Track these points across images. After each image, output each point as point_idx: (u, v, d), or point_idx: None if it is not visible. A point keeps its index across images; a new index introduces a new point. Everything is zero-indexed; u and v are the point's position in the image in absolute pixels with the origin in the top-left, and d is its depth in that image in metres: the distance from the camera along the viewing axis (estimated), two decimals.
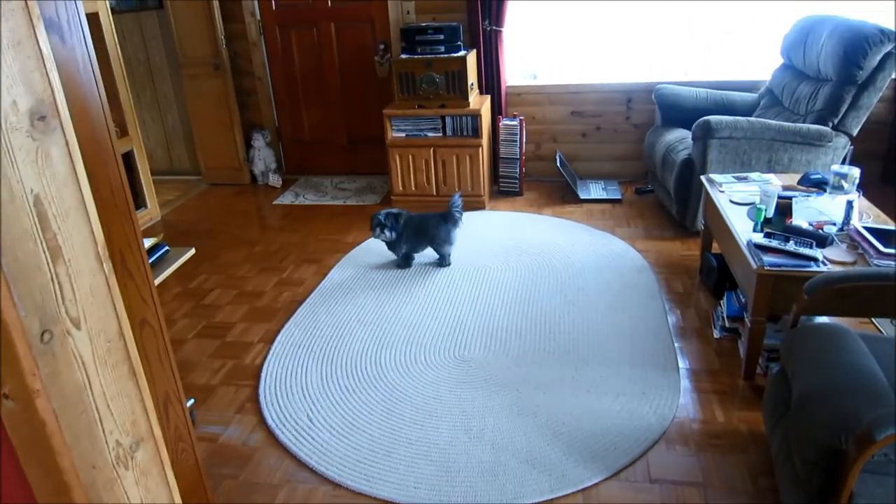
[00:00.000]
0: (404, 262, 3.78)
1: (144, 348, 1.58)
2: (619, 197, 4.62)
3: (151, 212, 4.66)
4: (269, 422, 2.56)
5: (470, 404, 2.59)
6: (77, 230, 1.11)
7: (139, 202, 4.57)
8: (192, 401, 2.59)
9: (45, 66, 1.05)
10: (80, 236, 1.12)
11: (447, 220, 3.67)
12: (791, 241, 2.50)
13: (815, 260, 2.42)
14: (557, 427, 2.45)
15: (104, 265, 1.18)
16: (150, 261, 2.08)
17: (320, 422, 2.54)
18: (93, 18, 3.95)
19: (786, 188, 3.08)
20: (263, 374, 2.85)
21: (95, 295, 1.16)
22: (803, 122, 3.75)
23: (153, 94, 5.44)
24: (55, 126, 1.08)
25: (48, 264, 1.05)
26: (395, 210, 3.68)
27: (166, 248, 2.17)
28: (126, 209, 1.47)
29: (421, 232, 3.69)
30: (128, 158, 4.40)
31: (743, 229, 2.77)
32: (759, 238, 2.56)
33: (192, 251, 2.27)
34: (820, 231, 2.60)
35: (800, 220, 2.74)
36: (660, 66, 4.83)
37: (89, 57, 1.34)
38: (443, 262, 3.77)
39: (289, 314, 3.33)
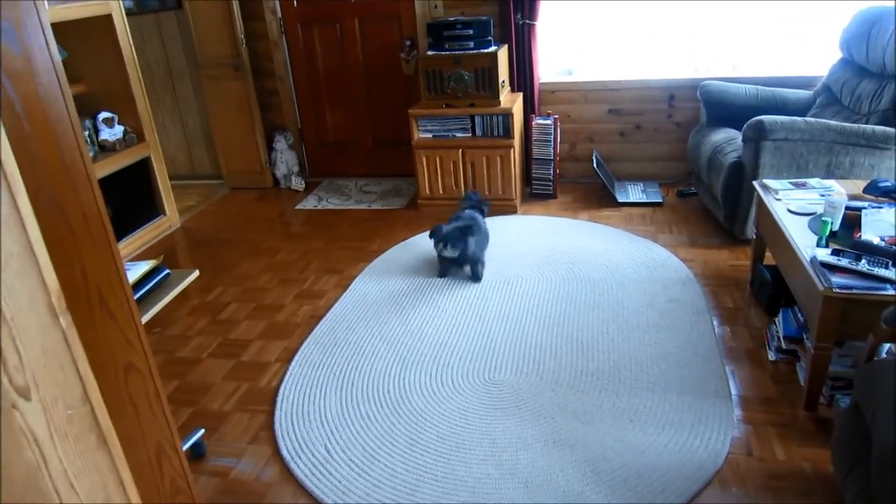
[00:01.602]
0: (482, 265, 3.57)
1: (131, 396, 1.39)
2: (659, 200, 4.34)
3: (171, 219, 4.51)
4: (285, 453, 2.36)
5: (501, 434, 2.37)
6: (22, 280, 0.91)
7: (157, 210, 4.42)
8: (201, 430, 2.41)
9: None
10: (25, 288, 0.92)
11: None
12: (863, 260, 2.23)
13: (891, 282, 2.15)
14: (598, 463, 2.21)
15: (60, 319, 0.98)
16: (150, 286, 1.90)
17: (339, 454, 2.33)
18: (105, 21, 3.81)
19: (851, 197, 2.79)
20: (279, 399, 2.66)
21: (49, 356, 0.96)
22: (866, 123, 3.44)
23: (173, 97, 5.29)
24: None
25: None
26: (462, 224, 3.46)
27: (167, 271, 1.98)
28: (105, 240, 1.27)
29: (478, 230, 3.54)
30: (144, 165, 4.25)
31: (805, 244, 2.49)
32: (825, 255, 2.29)
33: (196, 274, 2.08)
34: (894, 248, 2.31)
35: (869, 234, 2.45)
36: (705, 61, 4.53)
37: (55, 68, 1.14)
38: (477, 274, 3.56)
39: (308, 330, 3.14)
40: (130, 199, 4.21)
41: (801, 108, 4.01)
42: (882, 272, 2.18)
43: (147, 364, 1.45)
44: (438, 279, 3.53)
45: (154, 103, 5.26)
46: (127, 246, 4.08)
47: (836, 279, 2.19)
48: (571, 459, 2.23)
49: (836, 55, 3.99)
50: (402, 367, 2.79)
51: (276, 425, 2.51)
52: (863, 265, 2.21)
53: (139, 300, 1.86)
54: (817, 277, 2.24)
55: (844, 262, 2.24)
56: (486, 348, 2.88)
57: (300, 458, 2.33)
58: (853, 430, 1.94)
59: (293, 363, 2.89)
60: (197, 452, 2.38)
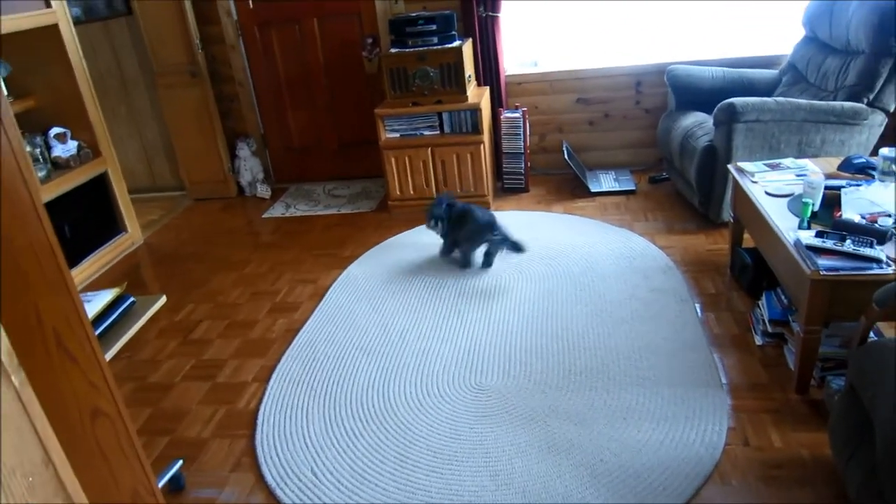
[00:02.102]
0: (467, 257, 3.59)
1: (100, 444, 1.28)
2: (632, 188, 4.31)
3: (133, 236, 4.35)
4: (269, 480, 2.26)
5: (493, 443, 2.30)
6: None
7: (117, 227, 4.25)
8: (179, 462, 2.29)
9: None
10: None
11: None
12: (848, 241, 2.20)
13: (879, 261, 2.12)
14: (595, 466, 2.15)
15: (13, 378, 0.88)
16: (114, 317, 1.78)
17: (326, 476, 2.24)
18: (52, 31, 3.62)
19: (827, 176, 2.77)
20: (260, 421, 2.55)
21: (3, 422, 0.86)
22: (834, 99, 3.44)
23: (129, 108, 5.11)
24: None
25: None
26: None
27: (132, 299, 1.87)
28: (58, 275, 1.16)
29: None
30: (102, 181, 4.08)
31: (786, 226, 2.46)
32: (809, 237, 2.25)
33: (163, 300, 1.96)
34: (878, 226, 2.29)
35: (850, 212, 2.43)
36: (669, 45, 4.49)
37: None
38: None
39: (285, 346, 3.03)
40: (89, 217, 4.04)
41: (767, 88, 4.00)
42: (867, 251, 2.15)
43: (115, 406, 1.35)
44: (416, 282, 3.44)
45: (109, 115, 5.05)
46: (88, 267, 3.92)
47: (823, 261, 2.15)
48: (568, 464, 2.17)
49: (800, 33, 3.99)
50: (386, 379, 2.70)
51: (258, 450, 2.41)
52: (848, 246, 2.18)
53: (103, 334, 1.74)
54: (803, 261, 2.20)
55: (829, 243, 2.20)
56: (470, 353, 2.81)
57: (286, 483, 2.23)
58: (850, 414, 1.91)
59: (271, 381, 2.78)
60: (176, 485, 2.26)
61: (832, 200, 2.53)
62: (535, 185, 4.58)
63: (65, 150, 3.86)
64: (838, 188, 2.55)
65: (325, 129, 4.99)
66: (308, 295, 3.47)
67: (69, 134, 3.91)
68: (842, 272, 2.12)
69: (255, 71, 4.88)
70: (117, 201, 4.22)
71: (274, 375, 2.82)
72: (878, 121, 3.35)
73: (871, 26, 3.26)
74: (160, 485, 2.16)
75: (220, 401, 2.73)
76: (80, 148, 3.94)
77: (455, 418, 2.43)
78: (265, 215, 4.65)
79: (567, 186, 4.51)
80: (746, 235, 3.15)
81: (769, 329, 2.67)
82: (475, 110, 4.10)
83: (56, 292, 1.15)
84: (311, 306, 3.35)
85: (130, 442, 1.38)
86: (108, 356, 2.38)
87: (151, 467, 2.37)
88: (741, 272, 3.10)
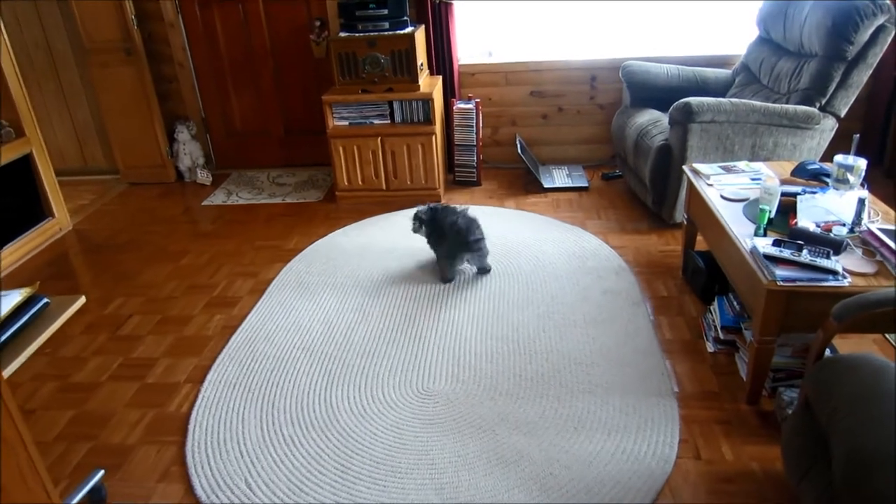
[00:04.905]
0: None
1: None
2: (585, 185, 4.25)
3: (60, 221, 4.08)
4: (199, 492, 2.11)
5: (439, 453, 2.19)
6: None
7: (43, 212, 3.97)
8: (101, 472, 2.12)
9: None
10: None
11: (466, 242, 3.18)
12: (805, 251, 2.16)
13: (835, 273, 2.08)
14: (545, 479, 2.07)
15: None
16: (24, 321, 1.60)
17: (261, 489, 2.10)
18: None
19: (783, 181, 2.74)
20: (192, 426, 2.39)
21: None
22: (786, 102, 3.43)
23: (58, 85, 4.79)
24: None
25: None
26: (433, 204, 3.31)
27: (45, 300, 1.68)
28: None
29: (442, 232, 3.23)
30: (26, 163, 3.80)
31: (742, 232, 2.42)
32: (767, 246, 2.21)
33: (82, 301, 1.79)
34: (833, 236, 2.26)
35: (805, 220, 2.40)
36: (625, 41, 4.43)
37: None
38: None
39: (221, 344, 2.86)
40: (11, 201, 3.76)
41: (721, 88, 3.98)
42: (824, 262, 2.11)
43: (15, 430, 1.19)
44: (363, 279, 3.30)
45: (35, 92, 4.75)
46: (8, 256, 3.65)
47: (780, 272, 2.11)
48: (516, 477, 2.08)
49: (754, 33, 3.98)
50: (329, 382, 2.57)
51: (189, 458, 2.25)
52: (805, 256, 2.14)
53: (10, 340, 1.56)
54: (760, 270, 2.16)
55: (787, 253, 2.16)
56: (417, 355, 2.69)
57: (217, 496, 2.08)
58: (804, 431, 1.87)
59: (206, 383, 2.61)
60: (96, 498, 2.09)
61: (787, 207, 2.50)
62: (487, 179, 4.48)
63: None
64: (794, 195, 2.51)
65: (271, 113, 4.78)
66: (248, 289, 3.30)
67: None
68: (798, 283, 2.08)
69: (195, 51, 4.63)
70: (43, 185, 3.95)
71: (209, 376, 2.65)
72: (829, 126, 3.36)
73: (825, 29, 3.26)
74: (77, 499, 1.99)
75: (150, 403, 2.55)
76: (1, 126, 3.66)
77: (400, 426, 2.32)
78: (205, 203, 4.43)
79: (520, 181, 4.42)
80: (699, 238, 3.12)
81: (721, 336, 2.63)
82: (427, 100, 3.97)
83: None
84: (251, 302, 3.18)
85: (34, 469, 1.23)
86: (16, 365, 2.18)
87: (70, 477, 2.20)
88: (693, 276, 3.07)
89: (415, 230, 3.27)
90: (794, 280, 2.09)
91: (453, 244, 3.16)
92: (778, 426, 2.25)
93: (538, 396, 2.42)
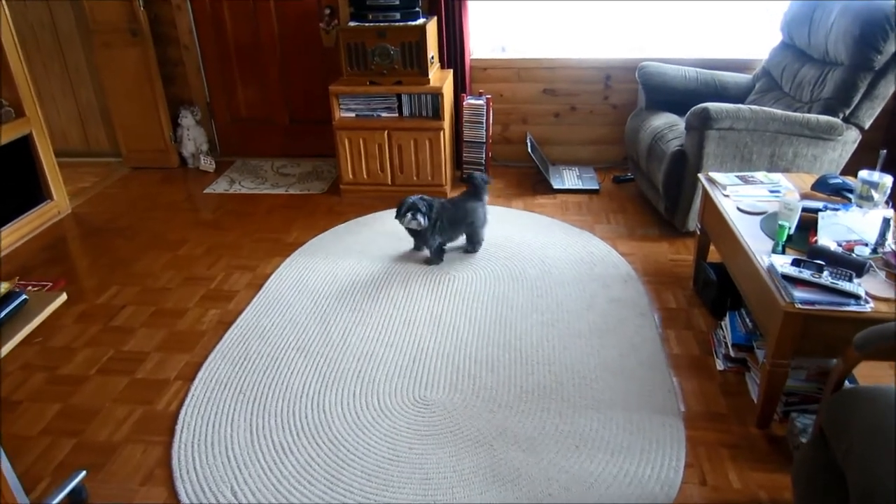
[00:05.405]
0: (438, 256, 3.32)
1: None
2: (596, 187, 4.14)
3: (59, 204, 4.00)
4: (183, 498, 2.03)
5: (434, 467, 2.11)
6: None
7: (42, 195, 3.89)
8: (82, 473, 2.04)
9: None
10: None
11: (479, 197, 3.34)
12: (825, 272, 2.05)
13: (857, 297, 1.98)
14: (543, 501, 1.98)
15: None
16: (2, 316, 1.52)
17: (247, 497, 2.02)
18: None
19: (803, 195, 2.63)
20: (179, 427, 2.31)
21: None
22: (808, 111, 3.31)
23: (62, 65, 4.70)
24: None
25: None
26: (426, 196, 3.24)
27: (24, 297, 1.60)
28: None
29: (458, 218, 3.28)
30: (25, 143, 3.72)
31: (759, 248, 2.31)
32: (786, 265, 2.10)
33: (63, 298, 1.70)
34: (856, 256, 2.16)
35: (826, 238, 2.29)
36: (642, 40, 4.31)
37: None
38: (475, 247, 3.40)
39: (215, 340, 2.78)
40: (9, 183, 3.68)
41: (740, 93, 3.86)
42: (846, 286, 2.01)
43: None
44: (364, 277, 3.21)
45: (40, 71, 4.66)
46: (5, 238, 3.57)
47: (798, 293, 2.01)
48: (514, 496, 1.99)
49: (777, 38, 3.85)
50: (322, 385, 2.48)
51: (175, 461, 2.17)
52: (826, 278, 2.04)
53: None
54: (777, 291, 2.06)
55: (806, 274, 2.06)
56: (416, 360, 2.61)
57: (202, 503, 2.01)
58: (818, 463, 1.77)
59: (196, 381, 2.53)
60: (76, 499, 2.02)
61: (807, 223, 2.39)
62: (495, 177, 4.37)
63: None
64: (815, 211, 2.41)
65: (277, 102, 4.68)
66: (245, 283, 3.22)
67: None
68: (818, 307, 1.98)
69: (202, 34, 4.53)
70: (42, 166, 3.87)
71: (200, 374, 2.57)
72: (852, 137, 3.24)
73: (853, 37, 3.14)
74: (56, 501, 1.92)
75: (138, 399, 2.48)
76: (0, 106, 3.58)
77: (395, 436, 2.23)
78: (207, 190, 4.34)
79: (528, 181, 4.32)
80: (712, 248, 3.02)
81: (731, 354, 2.53)
82: (437, 94, 3.87)
83: None
84: (248, 297, 3.10)
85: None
86: None
87: (53, 475, 2.12)
88: (704, 288, 2.97)
89: (419, 225, 3.17)
90: (813, 303, 1.99)
91: (484, 206, 3.34)
92: (789, 453, 2.15)
93: (539, 410, 2.33)
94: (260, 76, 4.61)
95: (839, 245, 2.26)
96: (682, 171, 3.32)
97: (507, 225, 3.69)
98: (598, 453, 2.14)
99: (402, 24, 3.78)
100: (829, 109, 3.23)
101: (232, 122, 4.79)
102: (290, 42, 4.47)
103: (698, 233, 3.05)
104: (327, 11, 4.29)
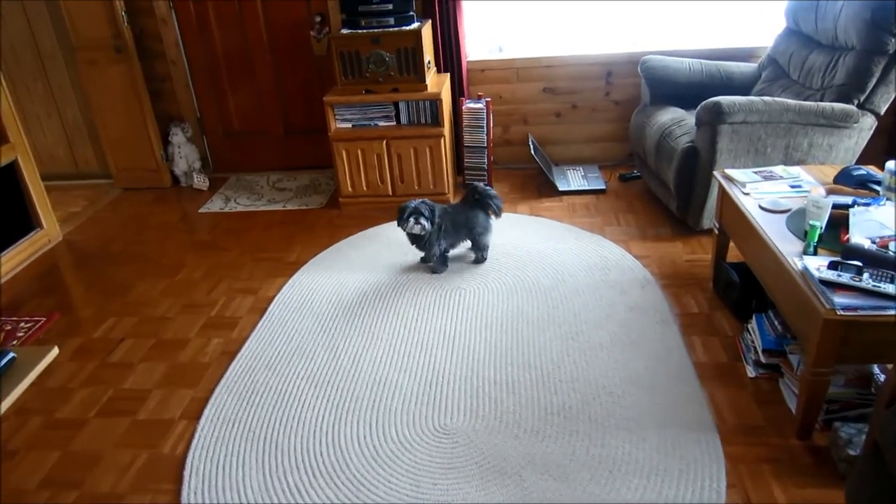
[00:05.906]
0: (442, 262, 3.23)
1: None
2: (602, 187, 4.02)
3: (49, 233, 3.85)
4: None
5: None
6: None
7: (31, 223, 3.75)
8: None
9: None
10: None
11: (483, 207, 3.23)
12: (865, 274, 1.94)
13: None
14: None
15: None
16: None
17: None
18: None
19: (829, 190, 2.51)
20: (187, 472, 2.18)
21: None
22: (820, 99, 3.19)
23: (46, 85, 4.55)
24: None
25: None
26: (428, 201, 3.14)
27: (12, 355, 1.47)
28: None
29: (460, 221, 3.18)
30: (11, 171, 3.58)
31: (789, 250, 2.19)
32: (823, 269, 1.99)
33: (55, 352, 1.57)
34: (894, 254, 2.04)
35: (859, 236, 2.17)
36: (641, 33, 4.19)
37: None
38: (482, 255, 3.28)
39: (219, 373, 2.65)
40: None
41: (746, 83, 3.74)
42: (887, 288, 1.89)
43: None
44: (370, 295, 3.09)
45: (23, 93, 4.52)
46: None
47: (839, 299, 1.89)
48: None
49: (781, 24, 3.73)
50: (336, 418, 2.35)
51: None
52: (866, 281, 1.92)
53: None
54: (815, 297, 1.94)
55: (846, 277, 1.94)
56: (432, 385, 2.48)
57: None
58: (875, 480, 1.66)
59: (203, 420, 2.40)
60: None
61: (837, 220, 2.27)
62: (498, 181, 4.25)
63: None
64: (844, 206, 2.29)
65: (270, 114, 4.55)
66: (248, 308, 3.09)
67: None
68: (861, 312, 1.87)
69: (189, 48, 4.39)
70: (30, 194, 3.73)
71: (206, 412, 2.44)
72: (868, 124, 3.13)
73: (864, 21, 3.02)
74: None
75: (141, 443, 2.34)
76: None
77: (417, 470, 2.11)
78: (202, 210, 4.20)
79: (533, 184, 4.19)
80: (734, 247, 2.90)
81: (763, 360, 2.42)
82: (435, 100, 3.74)
83: None
84: (252, 322, 2.97)
85: None
86: None
87: None
88: (726, 289, 2.85)
89: (422, 230, 3.07)
90: (855, 308, 1.87)
91: (487, 215, 3.24)
92: (834, 465, 2.04)
93: (566, 433, 2.21)
94: (251, 87, 4.47)
95: (873, 242, 2.14)
96: (694, 167, 3.20)
97: (514, 231, 3.57)
98: (634, 478, 2.02)
99: (396, 29, 3.64)
100: (844, 96, 3.11)
101: (224, 137, 4.65)
102: (280, 51, 4.34)
103: (716, 232, 2.94)
104: (318, 19, 4.15)
